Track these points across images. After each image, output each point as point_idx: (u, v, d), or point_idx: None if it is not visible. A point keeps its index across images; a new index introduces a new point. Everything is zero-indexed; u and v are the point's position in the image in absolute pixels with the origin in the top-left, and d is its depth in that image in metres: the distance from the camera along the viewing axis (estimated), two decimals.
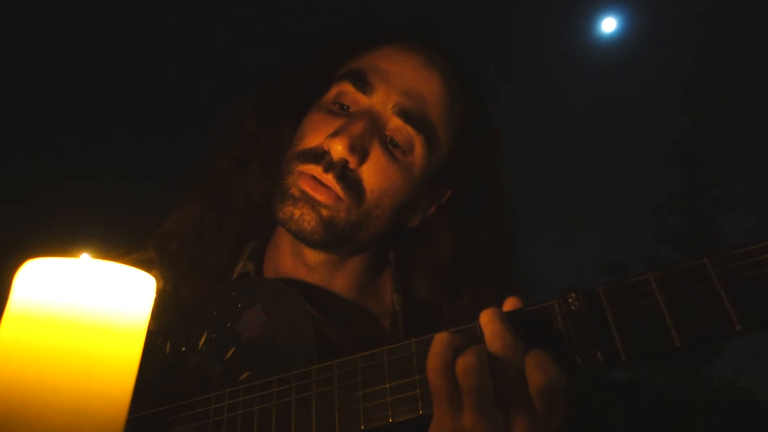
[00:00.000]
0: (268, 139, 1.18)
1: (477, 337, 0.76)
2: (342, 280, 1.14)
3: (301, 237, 1.04)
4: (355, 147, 1.01)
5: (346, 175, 1.02)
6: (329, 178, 1.02)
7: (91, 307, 0.57)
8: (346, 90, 1.09)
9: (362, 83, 1.08)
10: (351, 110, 1.08)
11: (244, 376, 0.94)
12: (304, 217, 1.02)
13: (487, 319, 0.74)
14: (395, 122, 1.06)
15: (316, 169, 1.02)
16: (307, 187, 1.02)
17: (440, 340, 0.74)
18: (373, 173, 1.04)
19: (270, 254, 1.19)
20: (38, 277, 0.58)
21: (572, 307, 0.73)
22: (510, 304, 0.78)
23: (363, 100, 1.08)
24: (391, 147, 1.06)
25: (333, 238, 1.04)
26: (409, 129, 1.06)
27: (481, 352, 0.71)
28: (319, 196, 1.02)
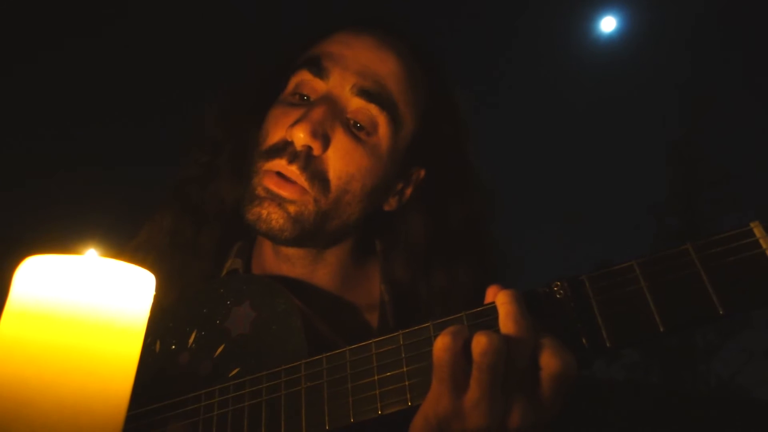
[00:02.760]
0: (236, 143, 1.18)
1: (464, 327, 0.76)
2: (324, 272, 1.14)
3: (271, 236, 1.04)
4: (317, 132, 1.01)
5: (310, 164, 1.02)
6: (294, 170, 1.01)
7: (91, 304, 0.57)
8: (304, 78, 1.09)
9: (317, 68, 1.08)
10: (311, 99, 1.08)
11: (234, 372, 0.95)
12: (271, 216, 1.01)
13: (503, 299, 0.73)
14: (356, 103, 1.06)
15: (280, 164, 1.02)
16: (272, 185, 1.02)
17: (453, 326, 0.74)
18: (338, 158, 1.03)
19: (256, 253, 1.19)
20: (38, 274, 0.57)
21: (557, 296, 0.73)
22: (492, 292, 0.78)
23: (320, 87, 1.07)
24: (354, 130, 1.05)
25: (303, 233, 1.03)
26: (372, 107, 1.05)
27: (495, 333, 0.70)
28: (284, 193, 1.02)
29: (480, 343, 0.68)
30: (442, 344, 0.71)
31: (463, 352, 0.71)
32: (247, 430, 0.86)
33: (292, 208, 1.02)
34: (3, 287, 0.60)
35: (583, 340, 0.71)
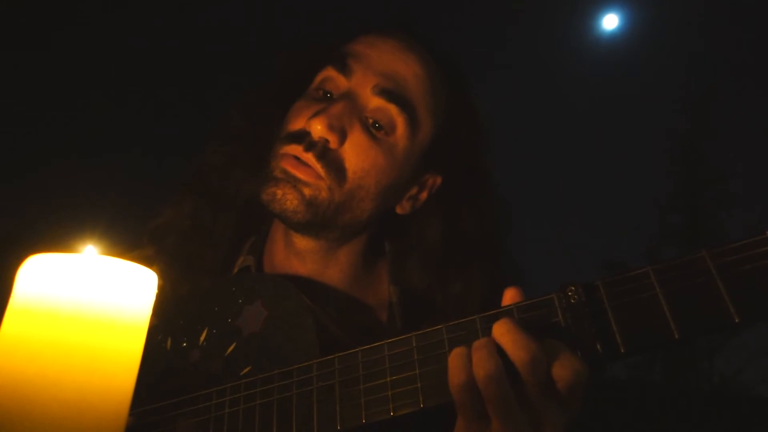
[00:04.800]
0: (259, 136, 1.19)
1: (477, 331, 0.76)
2: (335, 270, 1.14)
3: (284, 217, 1.05)
4: (334, 126, 1.03)
5: (326, 154, 1.03)
6: (309, 157, 1.03)
7: (93, 301, 0.57)
8: (329, 75, 1.11)
9: (342, 65, 1.10)
10: (334, 96, 1.10)
11: (245, 371, 0.95)
12: (286, 197, 1.03)
13: (503, 330, 0.72)
14: (376, 102, 1.07)
15: (297, 149, 1.04)
16: (288, 166, 1.04)
17: (458, 354, 0.73)
18: (354, 154, 1.05)
19: (267, 249, 1.20)
20: (41, 272, 0.58)
21: (572, 300, 0.73)
22: (510, 295, 0.79)
23: (343, 84, 1.09)
24: (372, 129, 1.07)
25: (316, 219, 1.05)
26: (392, 107, 1.07)
27: (494, 356, 0.70)
28: (300, 174, 1.03)
29: (479, 375, 0.69)
30: (458, 383, 0.71)
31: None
32: (258, 429, 0.87)
33: (306, 191, 1.03)
34: (5, 285, 0.60)
35: (597, 346, 0.70)
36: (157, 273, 1.14)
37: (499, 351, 0.71)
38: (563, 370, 0.69)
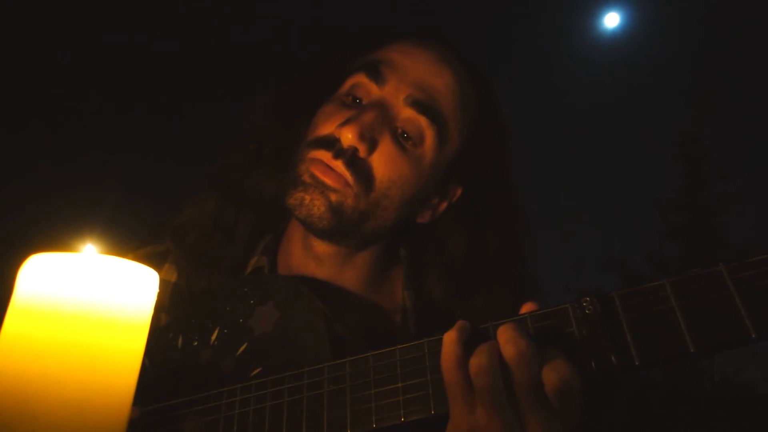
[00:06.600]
0: (284, 136, 1.19)
1: (489, 336, 0.77)
2: (351, 274, 1.15)
3: (309, 223, 1.05)
4: (365, 135, 1.03)
5: (355, 163, 1.03)
6: (339, 165, 1.03)
7: (95, 301, 0.58)
8: (360, 81, 1.10)
9: (375, 73, 1.09)
10: (364, 102, 1.10)
11: (255, 371, 0.95)
12: (314, 203, 1.03)
13: (502, 329, 0.75)
14: (407, 113, 1.07)
15: (326, 155, 1.04)
16: (318, 172, 1.04)
17: (449, 339, 0.75)
18: (382, 163, 1.05)
19: (283, 248, 1.20)
20: (42, 271, 0.58)
21: (586, 311, 0.73)
22: (527, 309, 0.79)
23: (375, 92, 1.09)
24: (401, 139, 1.07)
25: (340, 226, 1.04)
26: (422, 119, 1.07)
27: (492, 352, 0.72)
28: (328, 180, 1.03)
29: (472, 365, 0.72)
30: (448, 365, 0.74)
31: (468, 373, 0.73)
32: (267, 430, 0.87)
33: (333, 197, 1.03)
34: (6, 285, 0.60)
35: (612, 357, 0.70)
36: (171, 270, 1.15)
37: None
38: (551, 374, 0.70)
